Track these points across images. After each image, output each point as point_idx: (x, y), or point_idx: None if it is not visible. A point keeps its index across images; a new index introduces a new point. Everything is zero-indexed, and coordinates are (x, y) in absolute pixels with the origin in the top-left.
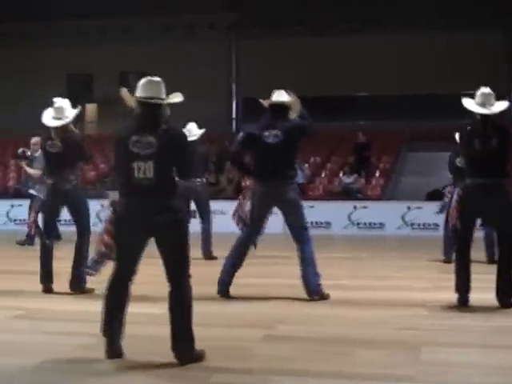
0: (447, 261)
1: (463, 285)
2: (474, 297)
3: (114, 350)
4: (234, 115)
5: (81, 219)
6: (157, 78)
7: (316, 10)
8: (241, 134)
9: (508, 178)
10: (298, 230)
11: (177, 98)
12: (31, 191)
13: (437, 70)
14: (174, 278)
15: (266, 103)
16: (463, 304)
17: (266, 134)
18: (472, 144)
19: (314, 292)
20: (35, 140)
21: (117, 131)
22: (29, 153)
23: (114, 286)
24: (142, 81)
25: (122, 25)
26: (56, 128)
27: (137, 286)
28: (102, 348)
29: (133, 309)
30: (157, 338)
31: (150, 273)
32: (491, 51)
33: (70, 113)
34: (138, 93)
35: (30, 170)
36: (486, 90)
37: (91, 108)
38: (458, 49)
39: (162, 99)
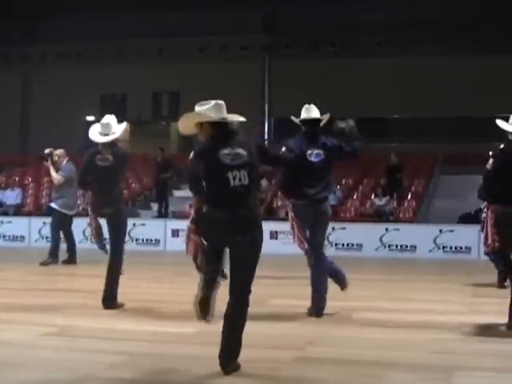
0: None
1: None
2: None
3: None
4: (266, 135)
5: (117, 240)
6: (220, 101)
7: (348, 32)
8: (283, 149)
9: None
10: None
11: (240, 117)
12: (52, 204)
13: (469, 93)
14: (237, 292)
15: (297, 120)
16: None
17: (309, 152)
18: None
19: None
20: (60, 152)
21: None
22: (55, 158)
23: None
24: (211, 104)
25: (156, 45)
26: (104, 144)
27: (173, 305)
28: (131, 367)
29: (169, 328)
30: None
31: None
32: None
33: (117, 128)
34: (212, 114)
35: (53, 172)
36: None
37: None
38: (492, 71)
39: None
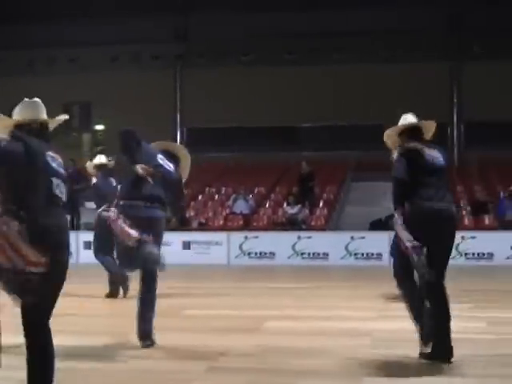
0: None
1: None
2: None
3: None
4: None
5: None
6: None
7: (260, 41)
8: None
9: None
10: None
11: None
12: None
13: (381, 100)
14: None
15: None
16: None
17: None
18: None
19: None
20: None
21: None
22: None
23: None
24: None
25: (66, 55)
26: None
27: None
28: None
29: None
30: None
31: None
32: (435, 81)
33: None
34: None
35: None
36: (407, 115)
37: None
38: (401, 79)
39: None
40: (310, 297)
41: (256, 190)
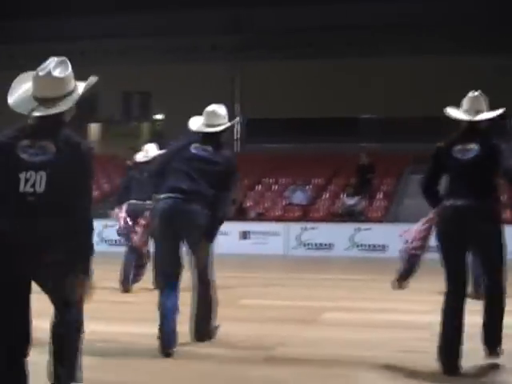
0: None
1: None
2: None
3: None
4: (236, 136)
5: None
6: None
7: (320, 32)
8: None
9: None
10: None
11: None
12: None
13: (440, 93)
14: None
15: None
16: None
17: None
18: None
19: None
20: None
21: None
22: None
23: None
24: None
25: (126, 45)
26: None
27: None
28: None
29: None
30: None
31: None
32: (491, 75)
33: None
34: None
35: None
36: (473, 93)
37: (95, 128)
38: (461, 72)
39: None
40: (364, 289)
41: (314, 181)
